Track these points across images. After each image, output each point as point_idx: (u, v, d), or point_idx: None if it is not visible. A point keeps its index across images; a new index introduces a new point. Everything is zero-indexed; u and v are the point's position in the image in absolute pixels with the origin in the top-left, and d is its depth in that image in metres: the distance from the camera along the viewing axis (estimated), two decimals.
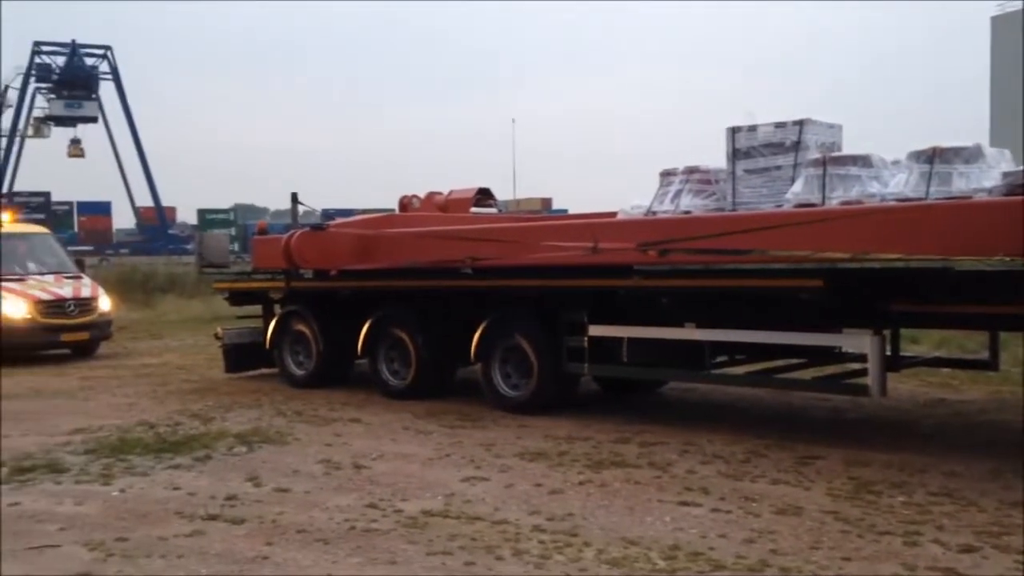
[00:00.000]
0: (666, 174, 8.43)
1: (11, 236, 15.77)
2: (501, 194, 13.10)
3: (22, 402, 10.61)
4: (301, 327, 11.27)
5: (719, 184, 8.14)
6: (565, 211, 41.32)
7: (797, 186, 7.46)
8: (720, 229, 7.44)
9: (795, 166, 7.63)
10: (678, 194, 8.21)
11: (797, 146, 7.66)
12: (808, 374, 8.42)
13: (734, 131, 7.95)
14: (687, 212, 8.07)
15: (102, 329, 15.43)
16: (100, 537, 5.46)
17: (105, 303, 15.60)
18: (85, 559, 5.11)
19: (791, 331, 7.81)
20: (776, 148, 7.76)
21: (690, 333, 8.31)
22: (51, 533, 5.59)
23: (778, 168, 7.74)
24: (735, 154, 7.93)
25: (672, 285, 8.33)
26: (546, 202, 58.88)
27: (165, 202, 70.39)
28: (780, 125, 7.81)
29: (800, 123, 7.73)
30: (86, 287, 15.38)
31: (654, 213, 8.32)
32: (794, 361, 8.51)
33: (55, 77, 68.77)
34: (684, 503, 5.91)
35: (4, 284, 14.46)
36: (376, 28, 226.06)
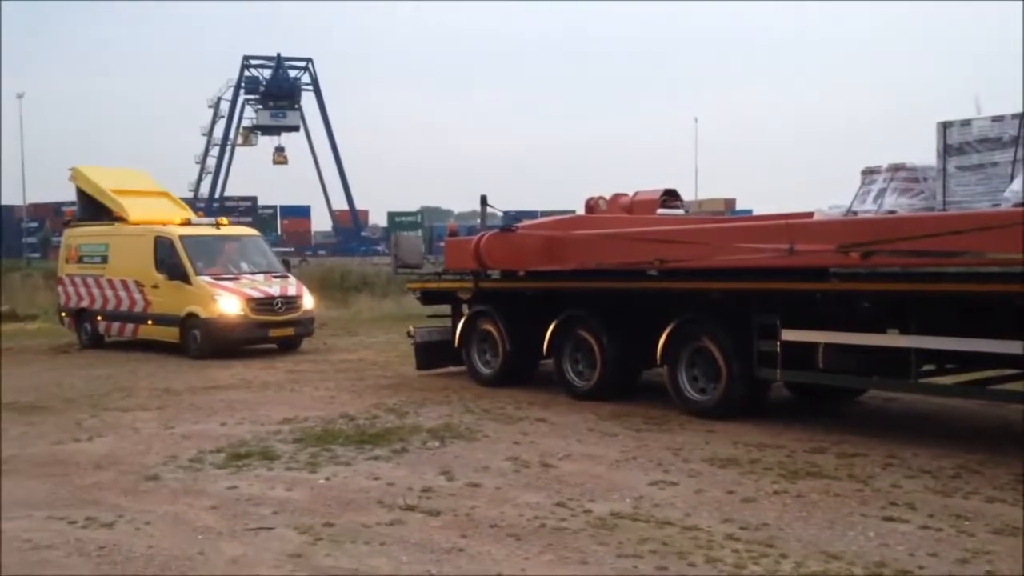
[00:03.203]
0: (868, 172, 8.06)
1: (227, 238, 17.11)
2: (683, 195, 12.86)
3: (237, 392, 11.46)
4: (488, 327, 11.54)
5: (927, 182, 7.72)
6: (749, 212, 40.21)
7: (1017, 184, 6.95)
8: (930, 230, 7.00)
9: (1014, 162, 7.12)
10: (881, 193, 7.84)
11: (1017, 141, 7.12)
12: None
13: (945, 126, 7.51)
14: (892, 212, 7.68)
15: (306, 326, 16.40)
16: (309, 522, 5.81)
17: (308, 301, 16.55)
18: (296, 542, 5.45)
19: (1008, 339, 7.23)
20: (993, 144, 7.27)
21: (896, 340, 7.79)
22: (265, 516, 6.00)
23: (995, 165, 7.26)
24: (946, 150, 7.48)
25: (875, 289, 7.89)
26: (729, 203, 57.55)
27: (357, 205, 74.18)
28: (997, 119, 7.30)
29: (1020, 117, 7.21)
30: (292, 286, 16.39)
31: (855, 213, 7.97)
32: (1010, 372, 7.88)
33: (262, 89, 73.88)
34: (889, 518, 5.62)
35: (220, 283, 15.67)
36: (555, 33, 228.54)
